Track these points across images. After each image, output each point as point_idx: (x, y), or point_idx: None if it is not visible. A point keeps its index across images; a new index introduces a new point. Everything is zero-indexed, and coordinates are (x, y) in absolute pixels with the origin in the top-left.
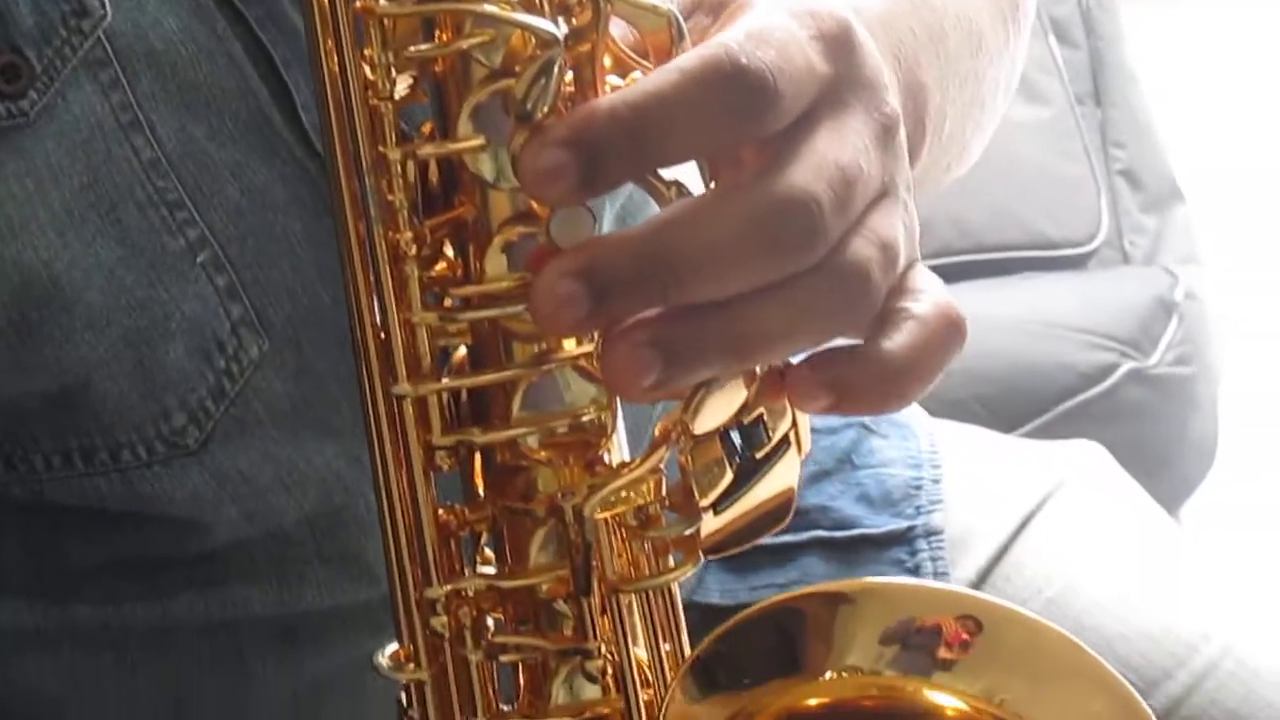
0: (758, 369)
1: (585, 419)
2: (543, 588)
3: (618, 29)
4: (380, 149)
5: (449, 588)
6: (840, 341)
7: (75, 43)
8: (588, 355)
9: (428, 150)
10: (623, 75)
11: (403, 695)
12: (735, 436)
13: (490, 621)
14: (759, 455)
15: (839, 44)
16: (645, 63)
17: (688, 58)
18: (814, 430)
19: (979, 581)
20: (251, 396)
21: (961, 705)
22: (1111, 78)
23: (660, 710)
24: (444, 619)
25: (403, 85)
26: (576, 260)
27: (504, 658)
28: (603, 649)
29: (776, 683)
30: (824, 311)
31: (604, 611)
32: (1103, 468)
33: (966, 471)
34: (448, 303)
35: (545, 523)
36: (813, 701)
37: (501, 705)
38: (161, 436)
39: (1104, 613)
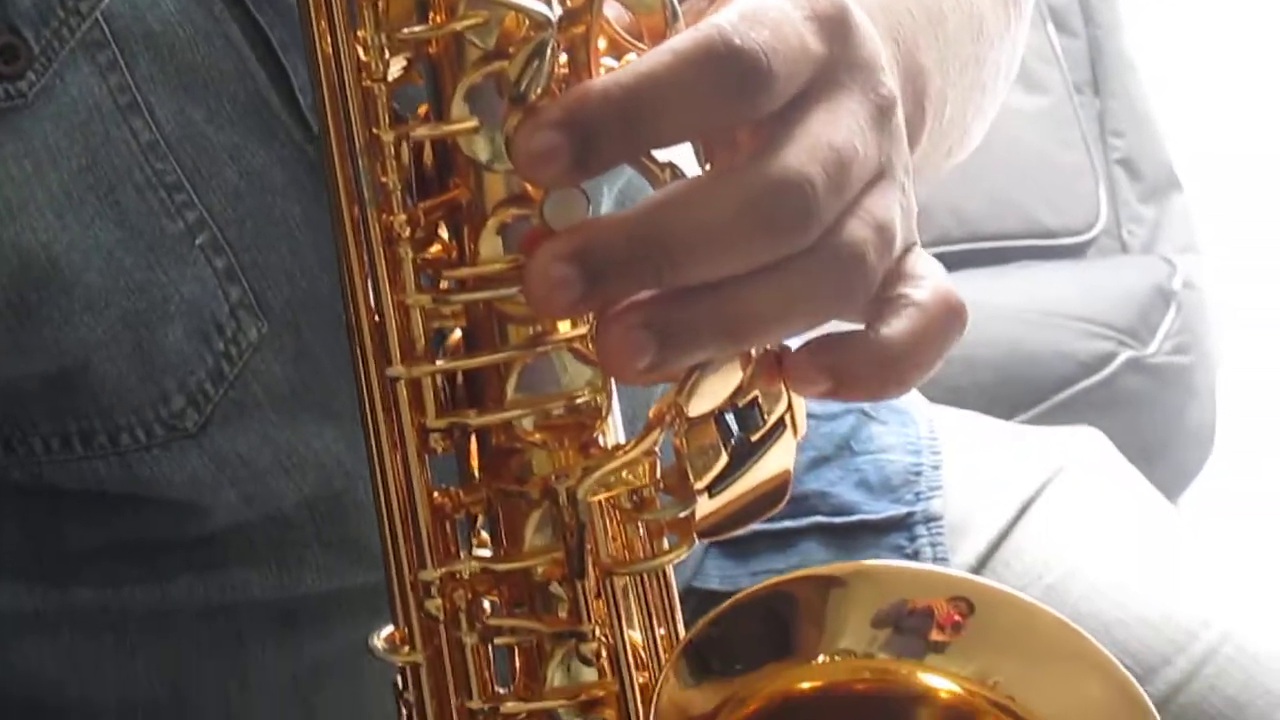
0: (753, 351)
1: (580, 401)
2: (538, 570)
3: (612, 11)
4: (374, 131)
5: (443, 570)
6: (840, 326)
7: (73, 24)
8: (582, 337)
9: (421, 132)
10: (617, 57)
11: (399, 678)
12: (730, 419)
13: (486, 604)
14: (754, 438)
15: (835, 25)
16: (640, 44)
17: (681, 38)
18: (813, 416)
19: (978, 567)
20: (250, 379)
21: (954, 688)
22: (1110, 67)
23: (654, 694)
24: (439, 601)
25: (396, 67)
26: (570, 243)
27: (498, 640)
28: (597, 632)
29: (769, 667)
30: (819, 293)
31: (598, 594)
32: (1102, 454)
33: (966, 458)
34: (442, 285)
35: (540, 505)
36: (805, 685)
37: (498, 688)
38: (160, 419)
39: (1103, 599)
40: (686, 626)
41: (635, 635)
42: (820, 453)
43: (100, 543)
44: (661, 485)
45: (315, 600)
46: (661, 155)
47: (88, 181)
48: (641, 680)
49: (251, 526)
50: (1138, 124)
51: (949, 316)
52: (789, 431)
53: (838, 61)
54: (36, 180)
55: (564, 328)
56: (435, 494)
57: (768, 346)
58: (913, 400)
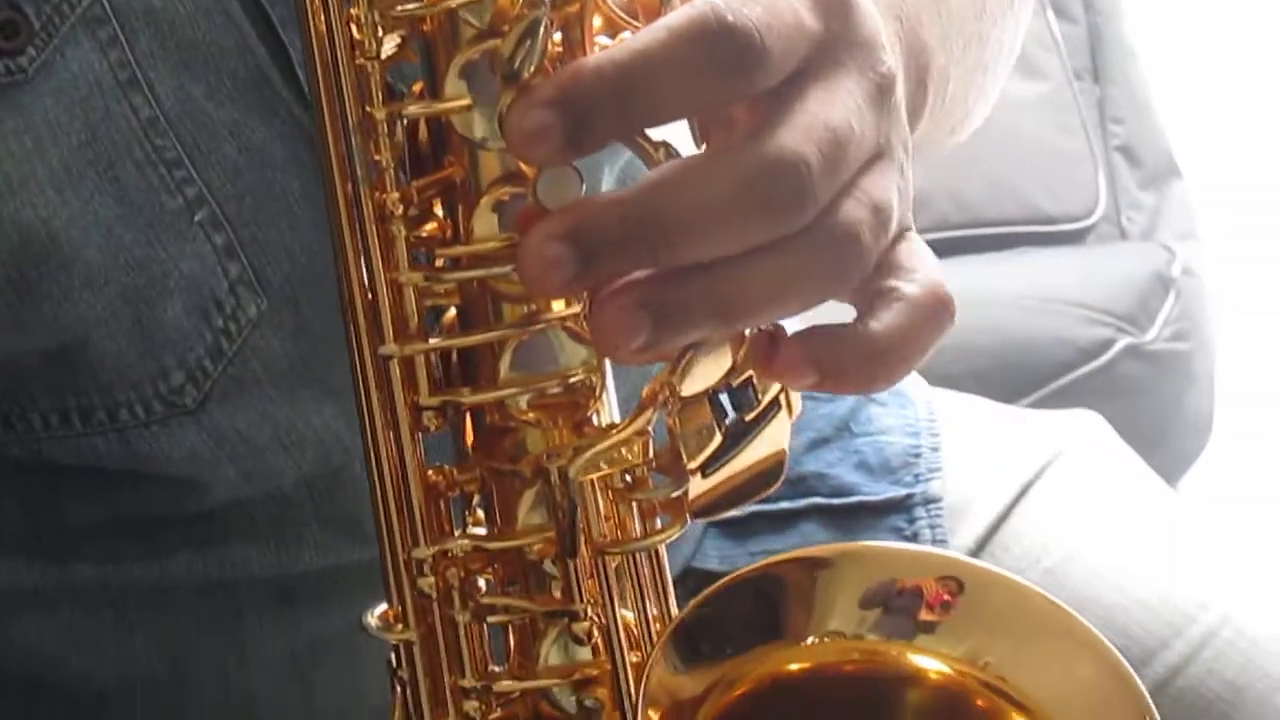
0: (746, 333)
1: (574, 380)
2: (531, 549)
3: None
4: (367, 108)
5: (436, 548)
6: (830, 315)
7: (73, 0)
8: (576, 316)
9: (414, 110)
10: (612, 36)
11: (392, 656)
12: (725, 399)
13: (481, 583)
14: (748, 418)
15: (833, 2)
16: (635, 22)
17: (675, 15)
18: (812, 398)
19: (977, 550)
20: (249, 356)
21: (945, 668)
22: (1110, 53)
23: (644, 676)
24: (431, 579)
25: (390, 44)
26: (563, 222)
27: (491, 619)
28: (589, 611)
29: (759, 649)
30: (814, 274)
31: (591, 574)
32: (1102, 437)
33: (965, 440)
34: (437, 263)
35: (533, 484)
36: (794, 667)
37: (491, 666)
38: (159, 396)
39: (1102, 582)
40: (683, 606)
41: (628, 614)
42: (819, 434)
43: (99, 519)
44: (654, 465)
45: (313, 577)
46: (656, 134)
47: (87, 157)
48: (634, 659)
49: (250, 503)
50: (1137, 111)
51: (938, 312)
52: (783, 411)
53: (836, 39)
54: (36, 156)
55: (558, 306)
56: (430, 472)
57: (761, 328)
58: (912, 382)
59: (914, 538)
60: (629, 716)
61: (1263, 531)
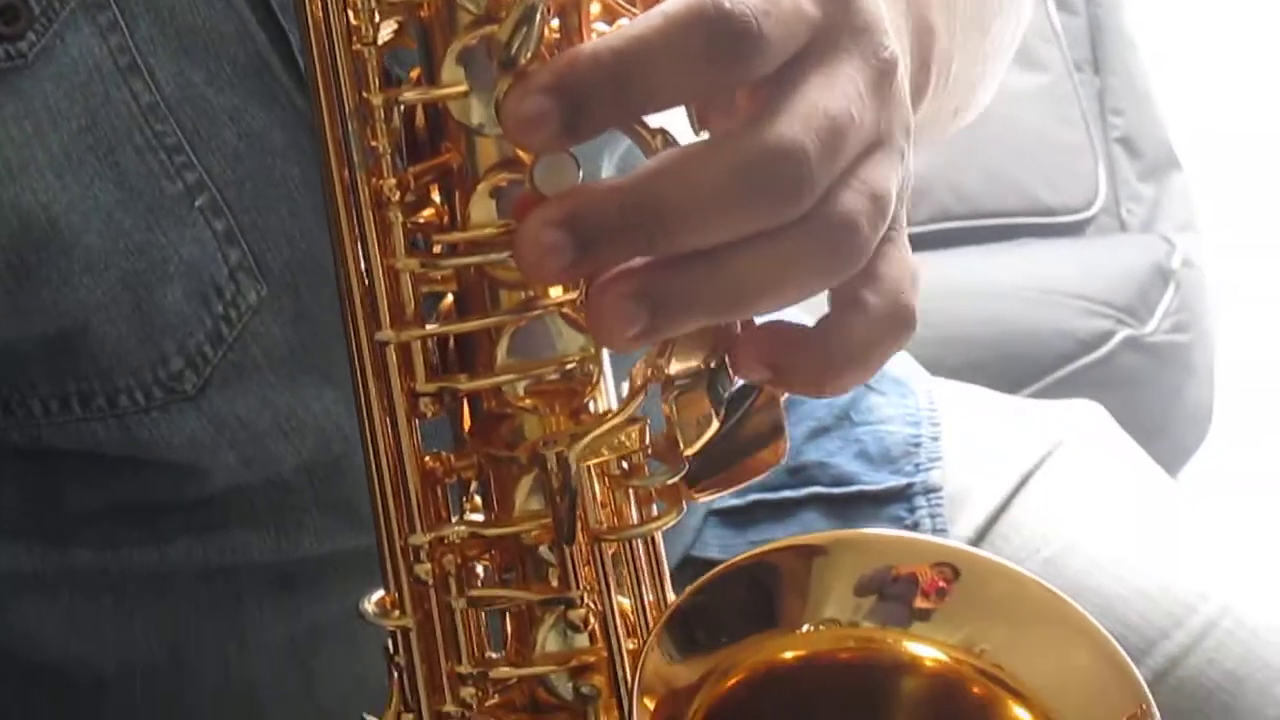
0: None
1: (571, 367)
2: (530, 535)
3: None
4: (364, 94)
5: (432, 535)
6: (794, 314)
7: None
8: (574, 302)
9: (411, 96)
10: (610, 22)
11: (389, 642)
12: (720, 386)
13: (479, 569)
14: (738, 394)
15: None
16: (632, 9)
17: (672, 2)
18: None
19: (977, 539)
20: (249, 342)
21: (941, 656)
22: (1110, 45)
23: (639, 664)
24: (428, 566)
25: (387, 30)
26: (560, 209)
27: (488, 605)
28: (586, 598)
29: (754, 637)
30: (811, 263)
31: (588, 561)
32: (1102, 427)
33: (965, 430)
34: (434, 249)
35: (530, 470)
36: (790, 655)
37: (488, 653)
38: (159, 381)
39: (1102, 572)
40: (680, 594)
41: (624, 601)
42: (820, 423)
43: (99, 504)
44: (651, 452)
45: (313, 563)
46: (654, 121)
47: (87, 142)
48: (630, 646)
49: (250, 489)
50: (1137, 102)
51: (898, 329)
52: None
53: (836, 25)
54: (36, 141)
55: (555, 293)
56: (427, 458)
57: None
58: (913, 372)
59: (914, 527)
60: (625, 703)
61: (1262, 523)
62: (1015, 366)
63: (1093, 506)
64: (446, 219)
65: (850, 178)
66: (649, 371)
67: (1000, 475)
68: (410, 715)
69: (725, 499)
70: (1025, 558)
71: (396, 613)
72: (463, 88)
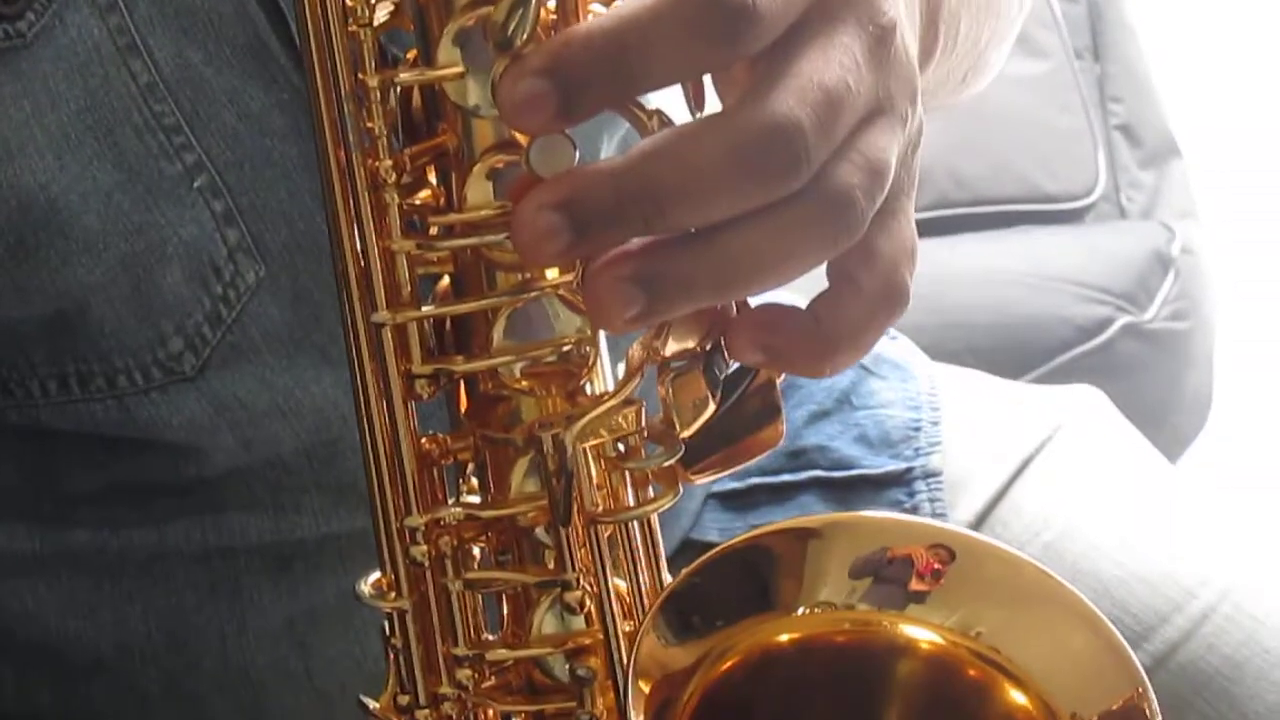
0: None
1: (567, 349)
2: (526, 517)
3: None
4: (360, 76)
5: (428, 516)
6: (786, 296)
7: None
8: (570, 284)
9: (408, 77)
10: (607, 2)
11: (386, 623)
12: (716, 368)
13: (476, 552)
14: (734, 376)
15: None
16: None
17: None
18: None
19: (977, 524)
20: (248, 323)
21: (937, 639)
22: (1110, 32)
23: (634, 646)
24: (424, 548)
25: (384, 11)
26: (557, 191)
27: (484, 587)
28: (582, 580)
29: (749, 620)
30: (807, 238)
31: (584, 543)
32: (1102, 413)
33: (965, 414)
34: (430, 231)
35: (526, 453)
36: (785, 637)
37: (485, 635)
38: (158, 362)
39: (1102, 557)
40: (677, 576)
41: (620, 584)
42: (820, 407)
43: (98, 486)
44: (647, 434)
45: (311, 545)
46: (650, 102)
47: (86, 123)
48: (626, 629)
49: (249, 471)
50: (1137, 90)
51: (890, 307)
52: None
53: None
54: (35, 121)
55: (552, 274)
56: (423, 440)
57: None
58: (913, 356)
59: (914, 511)
60: (621, 685)
61: (1261, 512)
62: (1015, 353)
63: (1093, 491)
64: (443, 200)
65: (848, 149)
66: (645, 354)
67: (1000, 460)
68: (407, 697)
69: (724, 482)
70: (1025, 542)
71: (393, 594)
72: (459, 69)
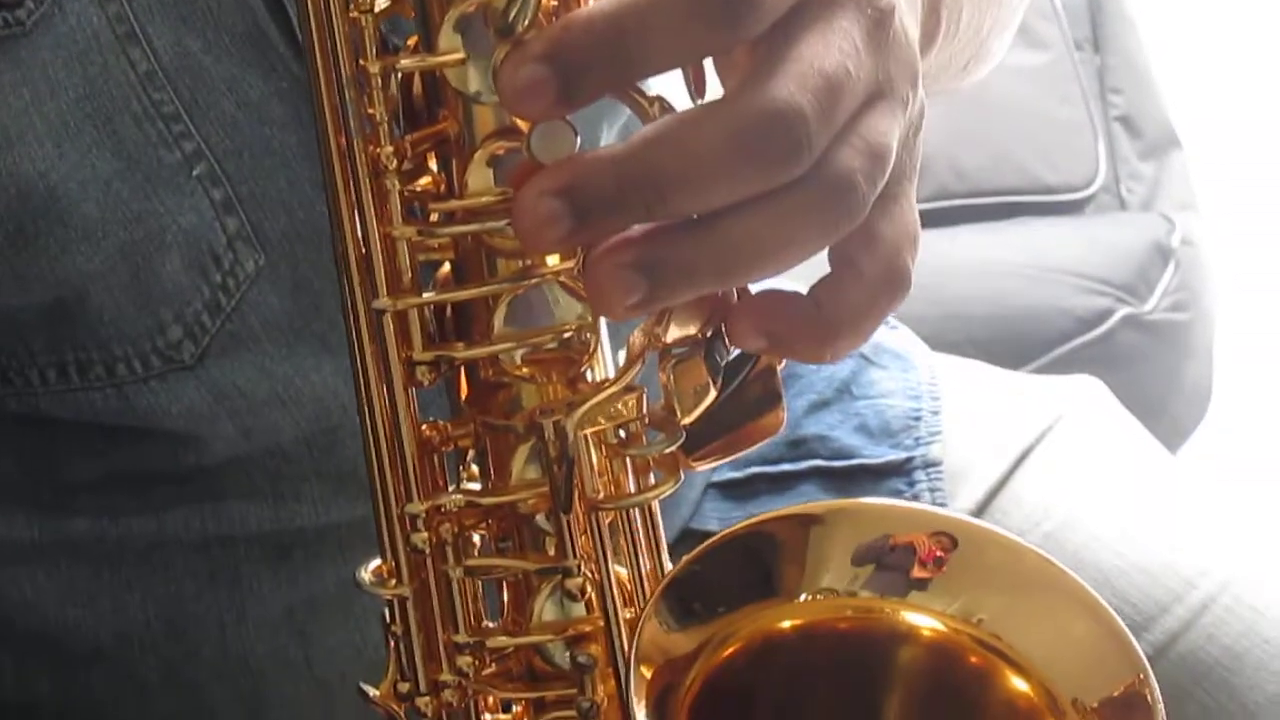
0: None
1: (568, 335)
2: (527, 504)
3: None
4: (361, 62)
5: (429, 504)
6: (787, 285)
7: None
8: (571, 271)
9: (409, 63)
10: None
11: (386, 611)
12: (717, 351)
13: (476, 539)
14: (735, 362)
15: None
16: None
17: None
18: None
19: (977, 514)
20: (248, 311)
21: (939, 625)
22: (1110, 23)
23: (636, 633)
24: (425, 535)
25: None
26: (558, 178)
27: (485, 574)
28: (583, 567)
29: (751, 606)
30: (809, 223)
31: (585, 530)
32: (1102, 403)
33: (966, 404)
34: (431, 218)
35: (527, 439)
36: (787, 624)
37: (485, 622)
38: (157, 350)
39: (1102, 547)
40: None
41: (621, 571)
42: (820, 397)
43: (97, 474)
44: (648, 421)
45: (311, 534)
46: (651, 89)
47: (85, 111)
48: (628, 616)
49: (249, 459)
50: (1137, 81)
51: (892, 293)
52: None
53: None
54: (34, 109)
55: (553, 261)
56: (424, 427)
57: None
58: (913, 346)
59: (914, 501)
60: (622, 671)
61: (1260, 504)
62: (1015, 344)
63: (1093, 481)
64: (444, 187)
65: (848, 134)
66: (646, 340)
67: (1000, 450)
68: (407, 684)
69: (724, 471)
70: (1025, 532)
71: (393, 581)
72: (460, 55)
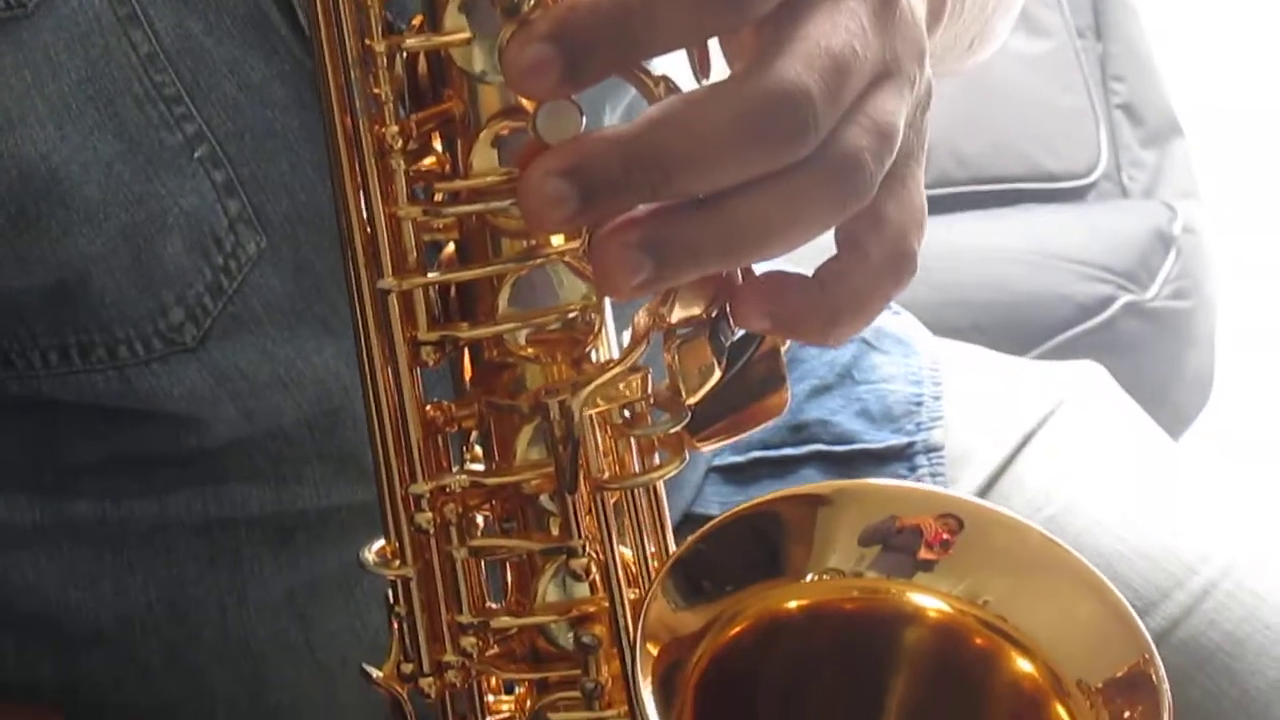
0: None
1: (573, 316)
2: (531, 484)
3: None
4: (366, 41)
5: (433, 484)
6: (790, 266)
7: None
8: (576, 251)
9: (414, 43)
10: None
11: (390, 592)
12: (721, 331)
13: (480, 519)
14: (740, 343)
15: None
16: None
17: None
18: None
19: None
20: (249, 294)
21: (944, 607)
22: (1112, 11)
23: (642, 611)
24: (429, 515)
25: None
26: (564, 158)
27: (489, 555)
28: (587, 547)
29: (757, 586)
30: (816, 203)
31: (589, 510)
32: (1104, 388)
33: (967, 389)
34: (436, 197)
35: (531, 420)
36: (793, 604)
37: (489, 603)
38: (159, 333)
39: (1103, 532)
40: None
41: (626, 551)
42: (821, 381)
43: (99, 457)
44: (652, 401)
45: (313, 516)
46: (656, 69)
47: (87, 93)
48: (632, 596)
49: (250, 442)
50: (1139, 69)
51: (898, 275)
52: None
53: None
54: (36, 91)
55: (557, 241)
56: (428, 407)
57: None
58: (915, 331)
59: None
60: (627, 653)
61: (1263, 489)
62: (1016, 331)
63: (1094, 466)
64: (449, 167)
65: (855, 113)
66: (651, 320)
67: (1002, 434)
68: (410, 665)
69: (726, 455)
70: (1027, 517)
71: (397, 562)
72: (465, 35)
